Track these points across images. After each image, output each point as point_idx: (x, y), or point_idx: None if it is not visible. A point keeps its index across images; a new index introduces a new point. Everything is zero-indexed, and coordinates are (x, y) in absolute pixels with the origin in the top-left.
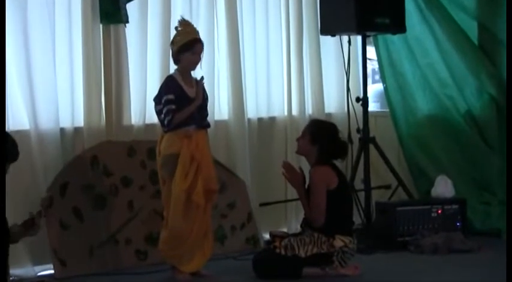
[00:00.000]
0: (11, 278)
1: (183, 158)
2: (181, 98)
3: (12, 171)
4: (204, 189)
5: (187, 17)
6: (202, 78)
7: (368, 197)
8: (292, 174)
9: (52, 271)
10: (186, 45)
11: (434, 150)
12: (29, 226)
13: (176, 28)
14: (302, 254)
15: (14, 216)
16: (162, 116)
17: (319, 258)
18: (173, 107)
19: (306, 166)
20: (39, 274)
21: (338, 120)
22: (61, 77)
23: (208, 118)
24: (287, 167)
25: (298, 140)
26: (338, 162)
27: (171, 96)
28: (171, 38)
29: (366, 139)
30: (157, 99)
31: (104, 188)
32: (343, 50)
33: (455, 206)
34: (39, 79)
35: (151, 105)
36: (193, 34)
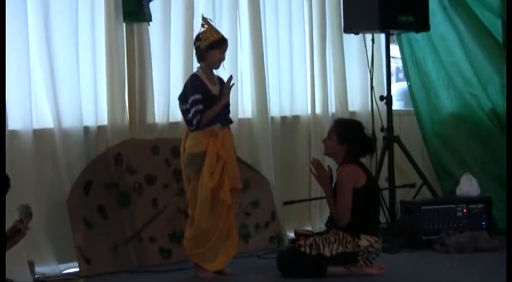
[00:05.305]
0: (36, 276)
1: (209, 156)
2: (208, 97)
3: (37, 169)
4: (229, 188)
5: (210, 15)
6: (231, 77)
7: (392, 196)
8: (320, 172)
9: (77, 269)
10: (216, 43)
11: (458, 148)
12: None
13: (203, 25)
14: (327, 252)
15: (38, 215)
16: (190, 116)
17: (344, 257)
18: (201, 107)
19: (329, 163)
20: (64, 272)
21: (362, 118)
22: (85, 76)
23: (232, 116)
24: (316, 164)
25: (324, 141)
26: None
27: (198, 96)
28: (194, 36)
29: (390, 138)
30: (182, 98)
31: (128, 186)
32: (367, 48)
33: (480, 205)
34: (63, 78)
35: (175, 103)
36: (221, 33)
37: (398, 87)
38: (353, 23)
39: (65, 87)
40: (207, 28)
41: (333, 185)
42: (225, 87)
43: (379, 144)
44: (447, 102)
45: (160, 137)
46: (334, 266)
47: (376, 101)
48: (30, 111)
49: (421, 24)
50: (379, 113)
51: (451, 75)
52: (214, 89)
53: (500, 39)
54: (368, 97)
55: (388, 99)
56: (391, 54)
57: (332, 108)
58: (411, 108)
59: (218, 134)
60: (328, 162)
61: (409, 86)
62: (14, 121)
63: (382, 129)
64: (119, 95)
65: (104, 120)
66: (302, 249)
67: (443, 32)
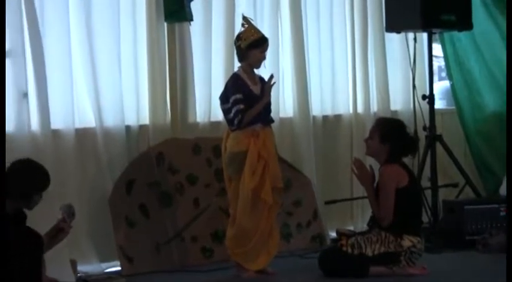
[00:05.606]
0: (78, 275)
1: (250, 156)
2: (249, 97)
3: (80, 168)
4: (271, 187)
5: (251, 14)
6: (272, 76)
7: (435, 196)
8: (362, 172)
9: (119, 268)
10: (257, 42)
11: (501, 147)
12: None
13: (243, 24)
14: (369, 252)
15: (80, 214)
16: (232, 115)
17: (387, 257)
18: (242, 106)
19: (371, 163)
20: (106, 271)
21: (404, 117)
22: (126, 75)
23: (274, 116)
24: (358, 164)
25: (366, 141)
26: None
27: (239, 96)
28: (235, 35)
29: (433, 137)
30: (223, 98)
31: (170, 185)
32: (409, 47)
33: None
34: (105, 77)
35: (216, 102)
36: (261, 32)
37: (441, 86)
38: (395, 22)
39: (107, 86)
40: (247, 27)
41: (375, 184)
42: (266, 86)
43: (422, 143)
44: (490, 101)
45: (201, 137)
46: (377, 266)
47: (418, 100)
48: (72, 110)
49: (464, 22)
50: (422, 112)
51: (494, 73)
52: (256, 89)
53: None
54: (410, 96)
55: (430, 98)
56: (434, 53)
57: (374, 107)
58: (453, 107)
59: (259, 133)
60: (370, 161)
61: (452, 85)
62: (56, 121)
63: (424, 128)
64: (161, 95)
65: (145, 120)
66: (344, 249)
67: (485, 30)
